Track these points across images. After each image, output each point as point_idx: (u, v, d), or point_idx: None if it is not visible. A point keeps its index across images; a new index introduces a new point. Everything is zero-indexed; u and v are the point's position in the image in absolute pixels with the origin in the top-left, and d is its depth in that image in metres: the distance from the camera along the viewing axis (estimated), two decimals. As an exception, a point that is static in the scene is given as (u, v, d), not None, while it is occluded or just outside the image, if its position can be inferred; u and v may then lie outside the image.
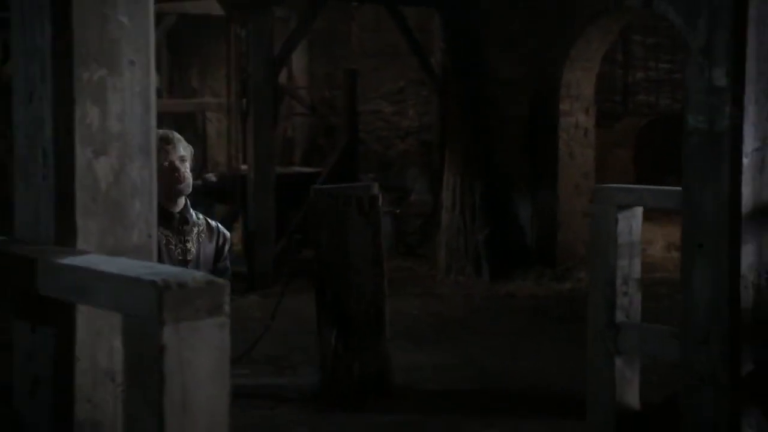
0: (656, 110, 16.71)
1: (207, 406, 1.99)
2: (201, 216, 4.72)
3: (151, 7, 2.50)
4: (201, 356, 1.97)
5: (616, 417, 4.46)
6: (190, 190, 4.57)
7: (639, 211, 4.42)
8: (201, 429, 1.98)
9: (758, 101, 3.55)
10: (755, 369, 3.59)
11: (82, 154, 2.40)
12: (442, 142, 12.81)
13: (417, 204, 14.04)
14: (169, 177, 4.48)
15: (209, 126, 16.67)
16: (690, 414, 3.73)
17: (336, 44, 15.76)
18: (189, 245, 4.57)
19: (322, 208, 7.25)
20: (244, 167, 12.18)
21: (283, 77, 14.33)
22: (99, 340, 2.40)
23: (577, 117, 11.89)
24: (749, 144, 3.54)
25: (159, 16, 14.53)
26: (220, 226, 4.77)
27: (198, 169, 11.94)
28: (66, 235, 2.41)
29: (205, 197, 11.51)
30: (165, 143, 4.50)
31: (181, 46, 16.10)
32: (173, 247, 4.52)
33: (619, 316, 4.42)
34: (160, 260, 4.34)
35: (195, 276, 1.98)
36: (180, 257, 4.49)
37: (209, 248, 4.66)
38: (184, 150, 4.55)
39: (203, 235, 4.64)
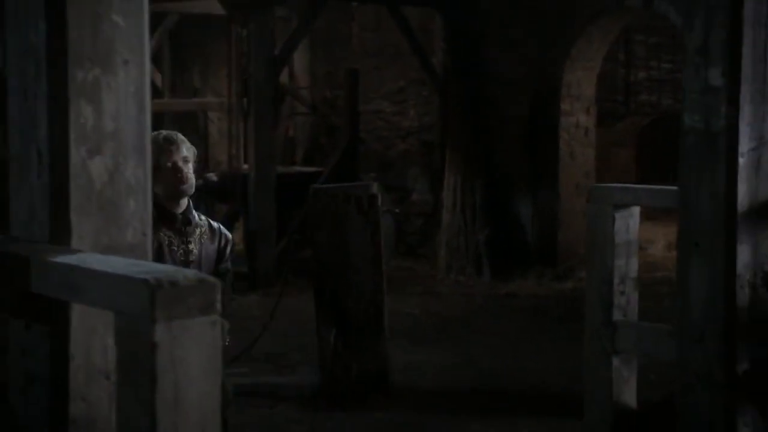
0: (658, 110, 16.74)
1: (199, 404, 2.00)
2: (203, 217, 4.73)
3: (146, 7, 2.50)
4: (193, 354, 1.98)
5: (614, 416, 4.46)
6: (193, 191, 4.58)
7: (636, 210, 4.42)
8: (193, 426, 1.99)
9: (754, 101, 3.55)
10: (751, 367, 3.59)
11: (76, 153, 2.41)
12: (442, 142, 12.82)
13: (418, 204, 14.05)
14: (172, 178, 4.49)
15: (211, 126, 16.68)
16: (686, 412, 3.74)
17: (337, 44, 15.76)
18: (191, 246, 4.58)
19: (321, 208, 7.26)
20: (245, 167, 12.19)
21: (284, 77, 14.34)
22: (93, 338, 2.41)
23: (577, 117, 11.90)
24: (745, 143, 3.55)
25: (161, 16, 14.56)
26: (222, 227, 4.78)
27: (200, 169, 11.95)
28: (61, 234, 2.42)
29: (206, 197, 11.52)
30: (168, 144, 4.51)
31: (183, 46, 16.10)
32: (175, 248, 4.54)
33: (617, 315, 4.42)
34: (163, 261, 4.36)
35: (187, 274, 1.99)
36: (182, 258, 4.50)
37: (211, 249, 4.67)
38: (187, 151, 4.56)
39: (205, 237, 4.65)
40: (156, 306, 1.92)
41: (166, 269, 2.04)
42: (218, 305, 2.00)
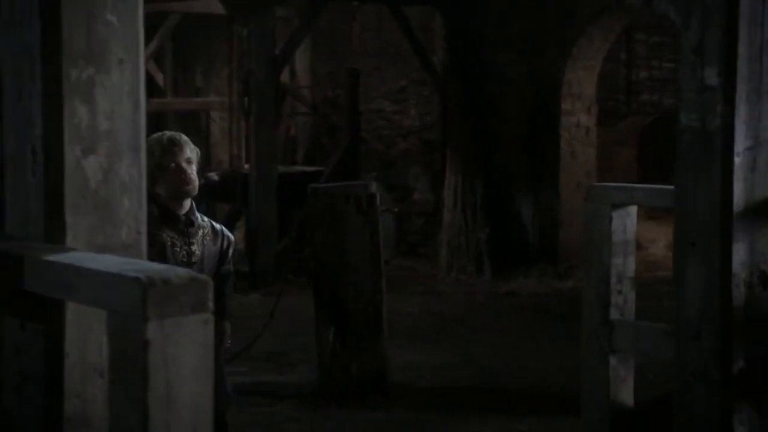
0: (660, 109, 16.72)
1: (191, 402, 2.00)
2: (206, 218, 4.75)
3: (141, 7, 2.51)
4: (185, 352, 1.99)
5: (611, 415, 4.47)
6: (197, 192, 4.59)
7: (633, 209, 4.42)
8: (185, 425, 2.00)
9: (749, 100, 3.55)
10: (746, 366, 3.59)
11: (71, 152, 2.41)
12: (443, 141, 12.83)
13: (419, 203, 14.06)
14: (175, 179, 4.51)
15: (213, 125, 16.71)
16: (683, 411, 3.74)
17: (338, 44, 15.77)
18: (194, 247, 4.59)
19: (321, 207, 7.26)
20: (246, 166, 12.21)
21: (285, 76, 14.35)
22: (88, 336, 2.42)
23: (578, 116, 11.90)
24: (741, 143, 3.55)
25: (163, 16, 14.58)
26: (224, 229, 4.80)
27: (201, 169, 11.97)
28: (55, 233, 2.43)
29: (207, 196, 11.53)
30: (172, 145, 4.53)
31: (185, 46, 16.13)
32: (178, 248, 4.55)
33: (614, 314, 4.42)
34: (165, 261, 4.37)
35: (179, 273, 2.00)
36: (184, 259, 4.51)
37: (213, 251, 4.69)
38: (190, 152, 4.58)
39: (208, 238, 4.66)
40: (148, 304, 1.93)
41: (158, 268, 2.04)
42: (210, 304, 2.01)
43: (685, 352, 3.70)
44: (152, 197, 4.55)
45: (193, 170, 4.57)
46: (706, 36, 3.58)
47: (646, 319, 4.73)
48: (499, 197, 12.00)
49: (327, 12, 13.51)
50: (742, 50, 3.53)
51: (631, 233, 4.44)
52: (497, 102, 12.01)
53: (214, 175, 12.71)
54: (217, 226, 4.78)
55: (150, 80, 15.36)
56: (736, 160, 3.54)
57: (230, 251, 4.80)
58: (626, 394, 4.51)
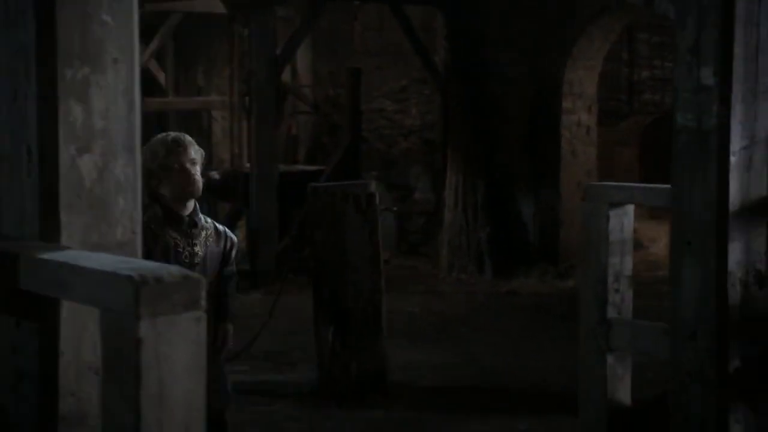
0: (662, 109, 16.71)
1: (184, 400, 2.01)
2: (209, 220, 4.76)
3: (136, 6, 2.52)
4: (178, 350, 2.00)
5: (608, 413, 4.47)
6: (201, 193, 4.60)
7: (630, 208, 4.43)
8: (177, 423, 2.01)
9: (745, 100, 3.56)
10: (742, 365, 3.60)
11: (66, 152, 2.42)
12: (444, 141, 12.84)
13: (420, 202, 14.07)
14: (179, 179, 4.51)
15: (215, 124, 16.71)
16: (679, 410, 3.75)
17: (339, 43, 15.78)
18: (197, 249, 4.60)
19: (320, 206, 7.27)
20: (247, 165, 12.21)
21: (287, 75, 14.36)
22: (84, 334, 2.43)
23: (579, 115, 11.91)
24: (736, 142, 3.56)
25: (164, 15, 14.59)
26: (227, 230, 4.81)
27: (204, 168, 11.96)
28: (50, 232, 2.44)
29: (208, 195, 11.54)
30: (176, 146, 4.53)
31: (187, 45, 16.13)
32: (181, 249, 4.56)
33: (611, 313, 4.43)
34: (168, 262, 4.38)
35: (172, 271, 2.00)
36: (187, 260, 4.52)
37: (216, 252, 4.70)
38: (195, 153, 4.59)
39: (211, 239, 4.67)
40: (140, 302, 1.94)
41: (151, 266, 2.05)
42: (203, 302, 2.02)
43: (681, 352, 3.71)
44: (156, 198, 4.56)
45: (197, 171, 4.58)
46: (702, 36, 3.59)
47: (647, 318, 4.74)
48: (500, 197, 12.01)
49: (328, 11, 13.52)
50: (738, 50, 3.54)
51: (629, 232, 4.45)
52: (498, 102, 12.02)
53: (215, 174, 12.71)
54: (221, 227, 4.79)
55: (152, 80, 15.38)
56: (732, 159, 3.55)
57: (233, 252, 4.82)
58: (623, 393, 4.52)
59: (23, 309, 2.40)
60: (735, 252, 3.60)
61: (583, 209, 4.56)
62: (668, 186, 3.90)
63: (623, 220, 4.42)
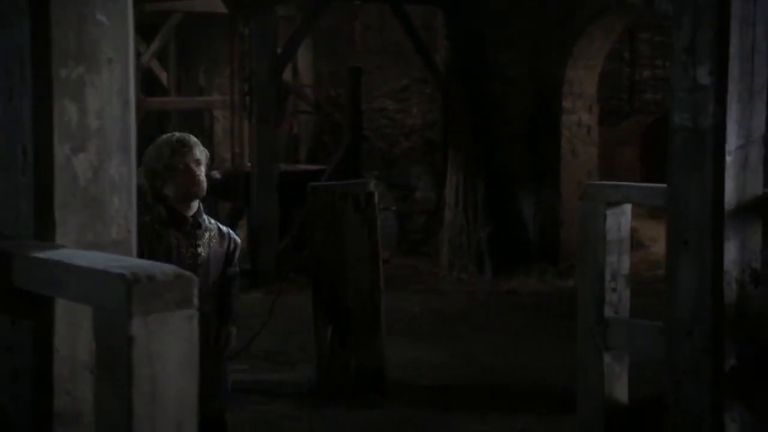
0: (663, 108, 16.69)
1: (176, 398, 2.02)
2: (213, 221, 4.76)
3: (130, 6, 2.53)
4: (170, 348, 2.00)
5: (605, 412, 4.48)
6: (205, 193, 4.61)
7: (627, 207, 4.43)
8: (170, 420, 2.01)
9: (741, 99, 3.56)
10: (738, 363, 3.61)
11: (60, 151, 2.43)
12: (445, 140, 12.85)
13: (421, 201, 14.07)
14: (184, 180, 4.52)
15: (216, 124, 16.72)
16: (675, 408, 3.76)
17: (340, 43, 15.79)
18: (200, 249, 4.60)
19: (320, 206, 7.28)
20: (248, 165, 12.22)
21: (288, 75, 14.37)
22: (78, 333, 2.44)
23: (580, 115, 11.91)
24: (732, 142, 3.56)
25: (166, 15, 14.60)
26: (231, 232, 4.81)
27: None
28: (45, 231, 2.44)
29: (209, 194, 11.54)
30: (181, 146, 4.54)
31: (188, 45, 16.15)
32: (183, 250, 4.56)
33: (608, 312, 4.43)
34: (171, 263, 4.38)
35: (164, 269, 2.01)
36: (190, 261, 4.52)
37: (219, 253, 4.70)
38: (199, 154, 4.59)
39: (214, 240, 4.67)
40: (133, 300, 1.94)
41: (144, 264, 2.06)
42: (195, 300, 2.03)
43: (677, 350, 3.71)
44: (161, 198, 4.56)
45: (202, 172, 4.58)
46: (698, 36, 3.59)
47: (647, 317, 4.74)
48: (500, 196, 12.02)
49: (329, 11, 13.53)
50: (734, 50, 3.54)
51: (626, 231, 4.46)
52: (499, 101, 12.03)
53: (216, 174, 12.72)
54: (224, 228, 4.79)
55: (153, 79, 15.41)
56: (728, 158, 3.56)
57: (236, 253, 4.82)
58: (621, 391, 4.52)
59: (18, 307, 2.41)
60: (731, 251, 3.60)
61: (580, 208, 4.56)
62: (664, 185, 3.91)
63: (620, 220, 4.42)
